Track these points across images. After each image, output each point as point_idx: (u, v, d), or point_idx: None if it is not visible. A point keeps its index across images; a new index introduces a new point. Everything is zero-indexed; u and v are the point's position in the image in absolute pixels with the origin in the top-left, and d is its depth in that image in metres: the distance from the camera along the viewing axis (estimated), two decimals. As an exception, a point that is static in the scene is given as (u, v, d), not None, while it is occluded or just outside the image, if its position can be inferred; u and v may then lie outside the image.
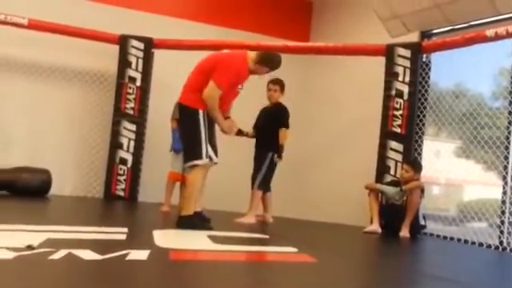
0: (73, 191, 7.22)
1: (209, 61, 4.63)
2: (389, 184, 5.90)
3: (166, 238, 3.90)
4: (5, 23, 6.58)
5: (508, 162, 5.33)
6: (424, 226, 5.77)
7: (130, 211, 6.38)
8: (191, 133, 4.54)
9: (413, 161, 5.97)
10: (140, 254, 3.01)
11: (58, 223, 4.29)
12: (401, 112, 6.19)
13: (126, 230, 4.06)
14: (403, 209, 5.60)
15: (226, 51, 4.90)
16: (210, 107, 4.49)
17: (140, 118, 7.10)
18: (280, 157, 5.64)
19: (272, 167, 5.63)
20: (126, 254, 2.95)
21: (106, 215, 6.13)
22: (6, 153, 6.81)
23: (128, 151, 7.02)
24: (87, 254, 2.86)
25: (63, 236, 3.53)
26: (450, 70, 6.20)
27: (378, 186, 5.90)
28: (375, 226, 5.67)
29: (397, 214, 5.62)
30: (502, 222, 5.33)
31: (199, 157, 4.47)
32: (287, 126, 5.70)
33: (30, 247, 2.87)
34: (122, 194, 6.97)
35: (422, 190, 5.65)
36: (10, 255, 2.67)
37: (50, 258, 2.71)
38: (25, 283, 2.30)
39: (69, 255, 2.80)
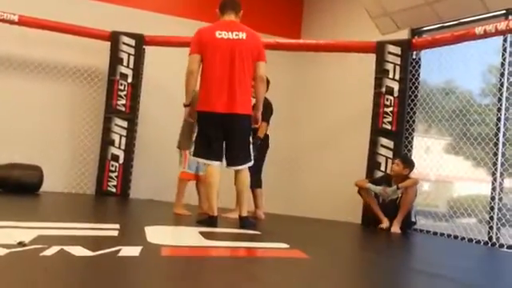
0: (64, 188, 7.21)
1: None
2: (379, 180, 5.93)
3: (158, 235, 3.91)
4: (-5, 19, 6.56)
5: (497, 159, 5.37)
6: (414, 223, 5.82)
7: (122, 207, 6.38)
8: None
9: (405, 156, 6.01)
10: (132, 251, 3.03)
11: (49, 220, 4.30)
12: (391, 109, 6.23)
13: (117, 226, 4.07)
14: (397, 205, 5.64)
15: None
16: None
17: (131, 115, 7.09)
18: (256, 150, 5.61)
19: (259, 163, 5.56)
20: (118, 251, 2.97)
21: (97, 212, 6.13)
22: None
23: (119, 148, 7.01)
24: (79, 251, 2.87)
25: (55, 232, 3.54)
26: (439, 67, 6.24)
27: (368, 185, 5.89)
28: (386, 223, 5.68)
29: (390, 210, 5.66)
30: (491, 218, 5.38)
31: None
32: (267, 121, 5.69)
33: (21, 244, 2.88)
34: (113, 190, 6.96)
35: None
36: (2, 252, 2.68)
37: (42, 254, 2.73)
38: (17, 280, 2.31)
39: (60, 251, 2.81)
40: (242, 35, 4.67)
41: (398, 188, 5.62)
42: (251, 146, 4.81)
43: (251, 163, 4.82)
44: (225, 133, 4.66)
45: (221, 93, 4.58)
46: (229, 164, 4.75)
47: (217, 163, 4.70)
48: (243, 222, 4.72)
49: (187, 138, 5.47)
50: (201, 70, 4.72)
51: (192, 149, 5.04)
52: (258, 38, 4.80)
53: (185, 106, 4.88)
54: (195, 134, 4.89)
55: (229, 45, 4.62)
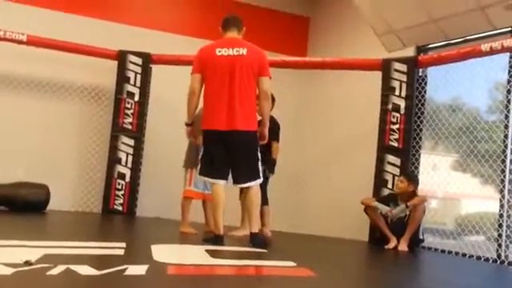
0: (71, 206, 7.21)
1: None
2: (386, 198, 5.90)
3: (165, 253, 3.90)
4: (4, 39, 6.61)
5: (505, 176, 5.34)
6: (422, 240, 5.77)
7: (128, 226, 6.37)
8: None
9: (409, 172, 5.99)
10: (138, 269, 3.01)
11: (56, 239, 4.30)
12: (398, 126, 6.22)
13: (124, 244, 4.06)
14: (404, 223, 5.60)
15: None
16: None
17: (138, 133, 7.11)
18: (272, 171, 5.67)
19: (264, 181, 5.43)
20: (124, 269, 2.96)
21: (104, 230, 6.13)
22: (4, 168, 6.80)
23: (126, 166, 7.02)
24: (85, 270, 2.86)
25: (61, 251, 3.54)
26: (446, 85, 6.24)
27: (375, 204, 5.84)
28: (394, 242, 5.60)
29: (398, 228, 5.62)
30: (500, 236, 5.33)
31: None
32: (278, 140, 5.70)
33: (27, 263, 2.88)
34: (120, 208, 6.96)
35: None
36: (8, 271, 2.68)
37: (48, 273, 2.72)
38: (23, 299, 2.31)
39: (67, 271, 2.80)
40: (243, 51, 4.61)
41: (406, 206, 5.57)
42: (259, 163, 4.71)
43: (259, 180, 4.73)
44: (228, 150, 4.60)
45: (221, 110, 4.54)
46: (234, 182, 4.71)
47: (222, 182, 4.66)
48: (254, 239, 4.64)
49: (193, 156, 5.43)
50: (204, 89, 4.71)
51: (198, 167, 5.03)
52: (260, 53, 4.72)
53: (186, 125, 4.85)
54: (201, 153, 4.86)
55: (228, 61, 4.57)
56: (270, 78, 4.70)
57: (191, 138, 5.04)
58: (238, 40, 4.74)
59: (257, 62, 4.63)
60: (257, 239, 4.67)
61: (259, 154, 4.72)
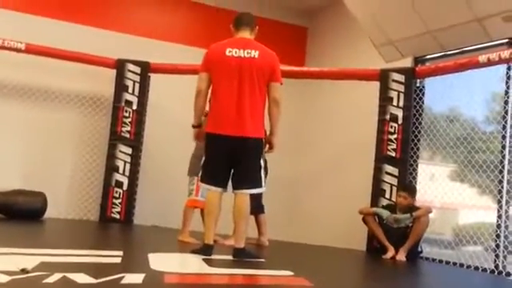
0: (68, 214, 7.20)
1: None
2: (385, 208, 5.90)
3: (162, 262, 3.89)
4: (2, 48, 6.63)
5: (502, 186, 5.35)
6: (420, 253, 5.75)
7: (126, 234, 6.36)
8: None
9: (409, 186, 5.97)
10: (135, 278, 3.01)
11: (52, 246, 4.29)
12: (395, 136, 6.23)
13: (121, 253, 4.06)
14: (406, 234, 5.58)
15: None
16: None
17: (136, 142, 7.11)
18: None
19: None
20: (121, 278, 2.96)
21: (101, 238, 6.12)
22: (1, 176, 6.79)
23: (124, 174, 7.01)
24: (82, 278, 2.86)
25: (58, 259, 3.53)
26: (443, 95, 6.27)
27: (374, 209, 5.88)
28: (392, 252, 5.56)
29: (397, 238, 5.60)
30: (497, 246, 5.33)
31: None
32: None
33: (24, 271, 2.88)
34: (117, 216, 6.94)
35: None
36: (5, 279, 2.67)
37: (45, 281, 2.72)
38: (19, 307, 2.30)
39: (63, 279, 2.80)
40: (255, 53, 4.35)
41: (411, 216, 5.55)
42: (262, 172, 4.42)
43: (261, 189, 4.49)
44: (232, 157, 4.32)
45: (228, 114, 4.28)
46: (234, 187, 4.38)
47: (219, 190, 4.41)
48: (235, 254, 4.36)
49: (199, 164, 5.32)
50: (211, 90, 4.47)
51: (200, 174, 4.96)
52: (273, 58, 4.47)
53: (193, 126, 4.59)
54: (203, 159, 4.60)
55: (238, 63, 4.31)
56: (282, 83, 4.49)
57: (198, 140, 4.77)
58: (249, 41, 4.50)
59: (268, 67, 4.39)
60: (238, 255, 4.35)
61: (262, 163, 4.47)
